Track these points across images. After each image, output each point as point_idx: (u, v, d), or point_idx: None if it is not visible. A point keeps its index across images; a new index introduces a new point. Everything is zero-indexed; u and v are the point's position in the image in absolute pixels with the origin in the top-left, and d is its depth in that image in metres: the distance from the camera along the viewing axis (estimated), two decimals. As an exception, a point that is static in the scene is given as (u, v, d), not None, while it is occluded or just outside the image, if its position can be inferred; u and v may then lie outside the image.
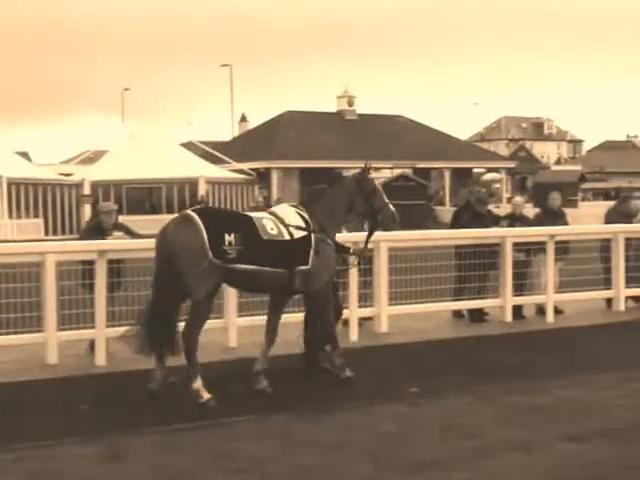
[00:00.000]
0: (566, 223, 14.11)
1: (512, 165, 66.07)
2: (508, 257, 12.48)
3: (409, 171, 52.23)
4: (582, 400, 8.31)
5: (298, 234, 8.71)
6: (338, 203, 9.24)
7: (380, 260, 11.76)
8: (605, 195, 40.02)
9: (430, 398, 8.35)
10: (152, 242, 8.77)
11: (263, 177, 52.72)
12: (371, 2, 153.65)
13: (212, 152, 53.06)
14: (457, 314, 13.05)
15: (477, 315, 12.79)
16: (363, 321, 11.96)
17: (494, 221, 13.45)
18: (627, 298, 13.77)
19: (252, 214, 8.97)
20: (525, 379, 9.15)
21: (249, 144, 57.79)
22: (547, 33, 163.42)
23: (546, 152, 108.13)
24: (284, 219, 8.77)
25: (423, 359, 10.24)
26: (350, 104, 61.31)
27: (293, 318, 9.88)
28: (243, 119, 78.99)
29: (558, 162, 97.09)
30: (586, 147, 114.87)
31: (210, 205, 9.72)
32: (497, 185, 59.78)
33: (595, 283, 13.53)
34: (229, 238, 8.18)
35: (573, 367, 9.76)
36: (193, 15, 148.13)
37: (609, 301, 13.78)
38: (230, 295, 10.74)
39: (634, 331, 12.02)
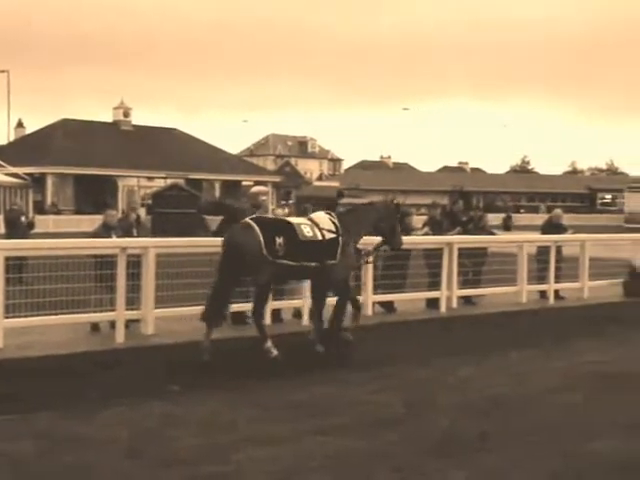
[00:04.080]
0: None
1: (278, 179, 67.17)
2: (269, 264, 12.61)
3: (182, 181, 51.92)
4: (335, 396, 8.52)
5: (329, 235, 10.46)
6: (366, 218, 11.26)
7: (148, 265, 11.60)
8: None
9: (191, 396, 8.31)
10: None
11: (38, 182, 50.82)
12: (147, 20, 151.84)
13: (-14, 155, 50.57)
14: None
15: (239, 318, 12.85)
16: (130, 323, 11.76)
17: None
18: (374, 303, 14.25)
19: (292, 219, 10.74)
20: (283, 377, 9.27)
21: (25, 149, 55.59)
22: (313, 59, 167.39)
23: (309, 169, 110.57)
24: (319, 223, 10.53)
25: (186, 359, 10.19)
26: (126, 115, 60.28)
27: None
28: (20, 125, 75.69)
29: (320, 178, 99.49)
30: (345, 165, 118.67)
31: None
32: (264, 198, 60.46)
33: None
34: (279, 240, 9.97)
35: (328, 365, 10.01)
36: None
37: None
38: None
39: (380, 333, 12.46)
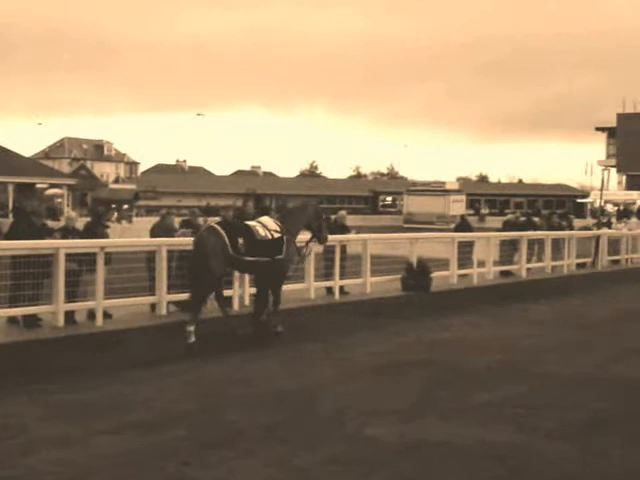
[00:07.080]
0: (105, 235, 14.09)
1: (73, 182, 65.05)
2: (61, 266, 12.21)
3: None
4: (127, 394, 8.38)
5: (276, 235, 11.95)
6: (301, 219, 12.86)
7: None
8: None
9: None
10: None
11: None
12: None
13: None
14: (12, 320, 12.50)
15: (31, 320, 12.36)
16: None
17: (48, 232, 13.11)
18: (169, 303, 14.07)
19: (249, 222, 12.12)
20: (76, 378, 9.02)
21: None
22: (109, 63, 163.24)
23: (106, 172, 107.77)
24: (267, 225, 12.03)
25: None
26: None
27: None
28: None
29: (116, 181, 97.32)
30: (142, 169, 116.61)
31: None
32: (59, 200, 58.45)
33: (141, 290, 13.66)
34: (240, 241, 11.44)
35: (122, 365, 9.77)
36: None
37: (153, 306, 14.00)
38: None
39: (175, 330, 12.27)
